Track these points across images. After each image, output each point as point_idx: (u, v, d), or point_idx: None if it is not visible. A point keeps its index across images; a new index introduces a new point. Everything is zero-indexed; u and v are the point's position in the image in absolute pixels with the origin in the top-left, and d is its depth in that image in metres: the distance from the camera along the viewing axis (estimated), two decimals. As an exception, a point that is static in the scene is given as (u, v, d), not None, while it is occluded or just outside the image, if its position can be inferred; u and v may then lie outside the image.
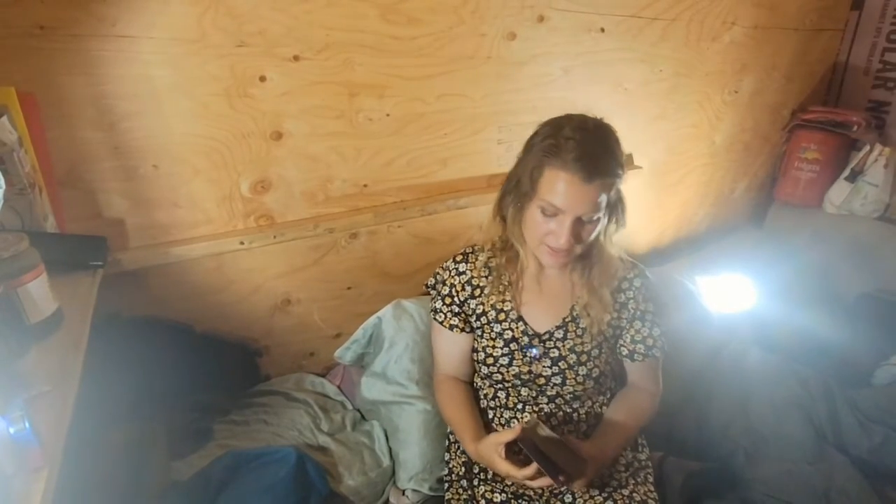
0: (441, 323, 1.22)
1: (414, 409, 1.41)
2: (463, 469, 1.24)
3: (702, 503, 1.33)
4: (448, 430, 1.32)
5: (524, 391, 1.18)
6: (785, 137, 2.32)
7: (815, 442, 1.49)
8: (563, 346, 1.15)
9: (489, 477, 1.22)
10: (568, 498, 1.15)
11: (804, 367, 1.67)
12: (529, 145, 1.06)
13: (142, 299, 1.42)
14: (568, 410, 1.18)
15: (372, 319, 1.53)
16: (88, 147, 1.26)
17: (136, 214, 1.36)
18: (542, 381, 1.16)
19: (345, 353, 1.57)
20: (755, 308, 1.99)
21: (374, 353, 1.54)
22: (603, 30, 1.73)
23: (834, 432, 1.53)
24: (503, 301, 1.17)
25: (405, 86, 1.51)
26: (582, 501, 1.13)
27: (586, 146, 0.98)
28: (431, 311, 1.25)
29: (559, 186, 0.98)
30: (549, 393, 1.17)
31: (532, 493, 1.19)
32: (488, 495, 1.18)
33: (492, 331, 1.18)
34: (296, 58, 1.36)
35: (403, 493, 1.37)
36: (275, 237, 1.50)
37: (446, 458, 1.31)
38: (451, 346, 1.24)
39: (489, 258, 1.19)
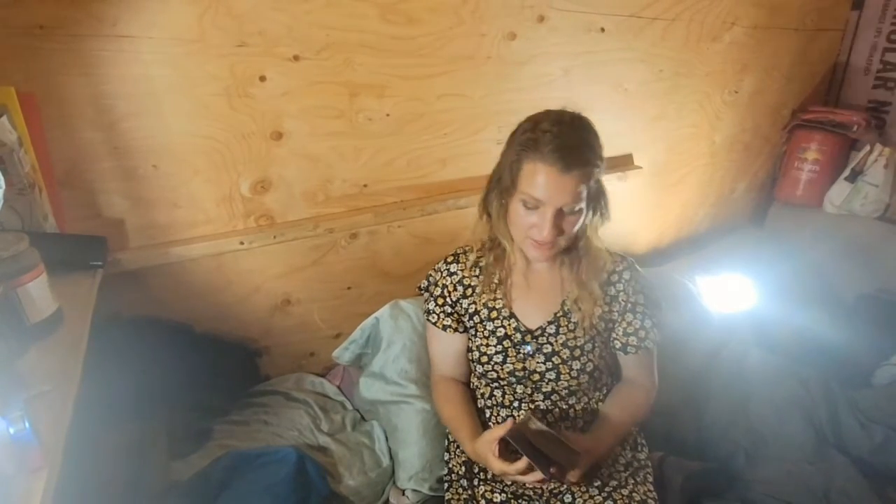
0: (434, 324, 1.23)
1: (412, 409, 1.41)
2: (463, 469, 1.24)
3: (702, 503, 1.33)
4: (447, 430, 1.32)
5: (519, 388, 1.18)
6: (785, 137, 2.32)
7: (816, 442, 1.49)
8: (556, 341, 1.16)
9: (489, 477, 1.22)
10: (567, 498, 1.15)
11: (804, 367, 1.67)
12: (509, 142, 1.09)
13: (142, 299, 1.42)
14: (564, 407, 1.18)
15: (370, 320, 1.53)
16: (88, 147, 1.26)
17: (135, 214, 1.36)
18: (537, 377, 1.16)
19: (343, 354, 1.57)
20: (755, 308, 1.99)
21: (372, 353, 1.54)
22: (603, 30, 1.73)
23: (834, 432, 1.53)
24: (494, 299, 1.18)
25: (405, 86, 1.51)
26: (581, 501, 1.13)
27: (563, 138, 1.00)
28: (425, 312, 1.26)
29: (538, 179, 1.00)
30: (544, 389, 1.17)
31: (532, 492, 1.19)
32: (488, 495, 1.18)
33: (485, 329, 1.18)
34: (296, 58, 1.36)
35: (403, 493, 1.37)
36: (275, 237, 1.50)
37: (446, 458, 1.31)
38: (446, 347, 1.25)
39: (479, 257, 1.20)
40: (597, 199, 1.09)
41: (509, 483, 1.21)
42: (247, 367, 1.62)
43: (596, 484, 1.15)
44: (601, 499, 1.12)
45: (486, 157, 1.72)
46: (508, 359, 1.17)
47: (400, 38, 1.46)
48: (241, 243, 1.46)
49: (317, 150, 1.49)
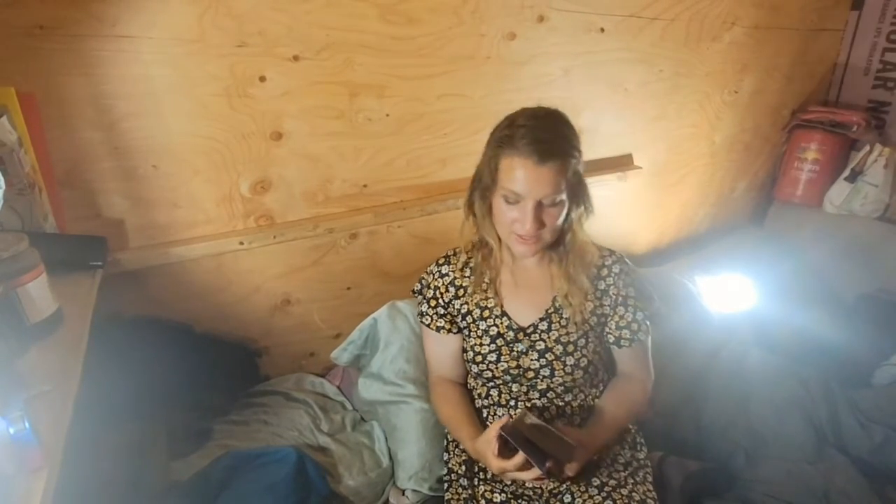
0: (428, 326, 1.24)
1: (411, 409, 1.41)
2: (463, 468, 1.24)
3: (702, 503, 1.33)
4: (446, 430, 1.33)
5: (515, 387, 1.19)
6: (785, 137, 2.32)
7: (816, 442, 1.49)
8: (549, 337, 1.16)
9: (489, 477, 1.22)
10: (567, 498, 1.15)
11: (804, 367, 1.67)
12: (488, 141, 1.10)
13: (142, 299, 1.42)
14: (560, 404, 1.18)
15: (368, 321, 1.53)
16: (88, 147, 1.26)
17: (135, 214, 1.36)
18: (532, 374, 1.17)
19: (341, 355, 1.57)
20: (755, 308, 1.99)
21: (370, 354, 1.54)
22: (603, 30, 1.73)
23: (834, 432, 1.53)
24: (486, 298, 1.19)
25: (405, 86, 1.51)
26: (581, 501, 1.13)
27: (537, 131, 1.02)
28: (418, 315, 1.27)
29: (516, 172, 1.02)
30: (539, 387, 1.18)
31: (532, 492, 1.19)
32: (488, 495, 1.18)
33: (478, 329, 1.19)
34: (296, 58, 1.36)
35: (403, 493, 1.37)
36: (275, 237, 1.50)
37: (445, 458, 1.31)
38: (442, 348, 1.25)
39: (468, 258, 1.21)
40: (578, 192, 1.09)
41: (509, 483, 1.21)
42: (247, 367, 1.62)
43: (595, 483, 1.15)
44: (600, 499, 1.12)
45: (486, 157, 1.72)
46: (502, 357, 1.17)
47: (400, 39, 1.46)
48: (241, 243, 1.46)
49: (317, 150, 1.49)
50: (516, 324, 1.17)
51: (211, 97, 1.32)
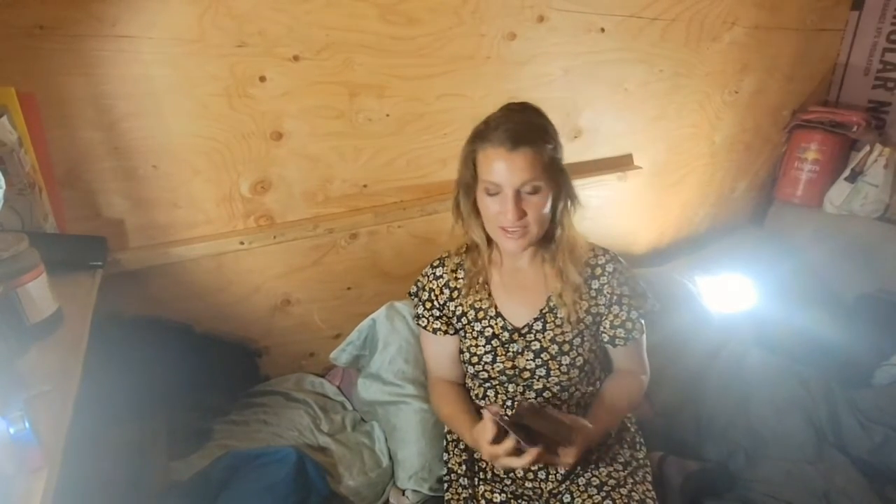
0: (424, 328, 1.25)
1: (410, 409, 1.41)
2: (463, 468, 1.24)
3: (702, 503, 1.33)
4: (445, 430, 1.33)
5: (511, 387, 1.19)
6: (785, 137, 2.32)
7: (816, 442, 1.49)
8: (544, 337, 1.16)
9: (489, 477, 1.22)
10: (567, 498, 1.16)
11: (804, 367, 1.67)
12: (466, 141, 1.11)
13: (142, 299, 1.42)
14: (557, 403, 1.18)
15: (366, 321, 1.53)
16: (88, 147, 1.26)
17: (135, 214, 1.36)
18: (527, 374, 1.17)
19: (340, 355, 1.57)
20: (755, 308, 1.99)
21: (369, 355, 1.54)
22: (603, 30, 1.73)
23: (834, 432, 1.53)
24: (480, 300, 1.19)
25: (405, 86, 1.51)
26: (581, 501, 1.13)
27: (509, 122, 1.04)
28: (414, 317, 1.28)
29: (493, 164, 1.03)
30: (535, 387, 1.18)
31: (532, 492, 1.19)
32: (488, 495, 1.18)
33: (473, 330, 1.19)
34: (296, 58, 1.36)
35: (403, 494, 1.37)
36: (275, 237, 1.50)
37: (445, 458, 1.31)
38: (438, 350, 1.25)
39: (460, 260, 1.22)
40: (560, 182, 1.09)
41: (509, 483, 1.21)
42: (247, 367, 1.62)
43: (595, 483, 1.15)
44: (600, 498, 1.12)
45: (486, 157, 1.72)
46: (498, 358, 1.17)
47: (400, 39, 1.46)
48: (241, 243, 1.46)
49: (317, 151, 1.49)
50: (511, 324, 1.18)
51: (211, 97, 1.32)
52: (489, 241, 1.16)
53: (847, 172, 2.15)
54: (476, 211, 1.12)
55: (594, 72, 1.78)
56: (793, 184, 2.28)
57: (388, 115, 1.53)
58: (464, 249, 1.22)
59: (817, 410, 1.55)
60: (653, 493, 1.18)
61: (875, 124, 2.21)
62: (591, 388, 1.22)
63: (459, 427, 1.19)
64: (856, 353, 1.77)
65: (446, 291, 1.22)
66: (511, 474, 1.21)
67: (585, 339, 1.17)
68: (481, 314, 1.19)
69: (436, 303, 1.23)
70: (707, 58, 1.96)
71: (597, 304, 1.18)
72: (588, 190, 1.93)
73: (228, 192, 1.44)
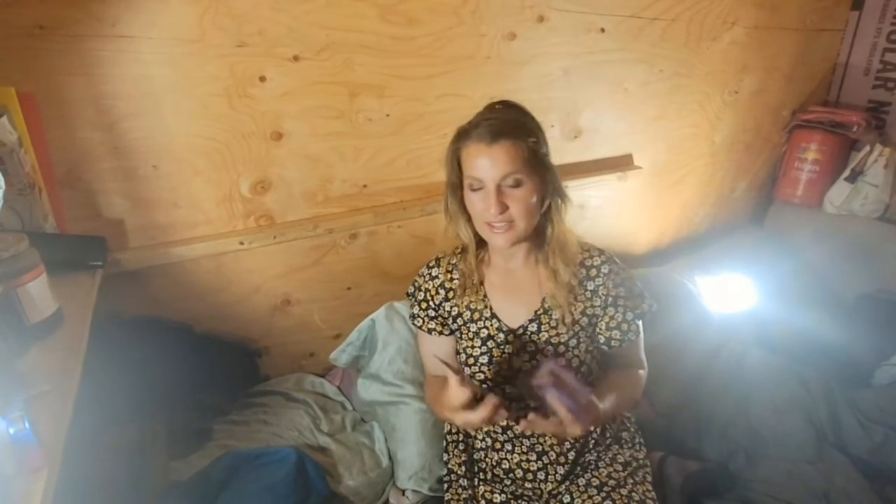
0: (420, 328, 1.25)
1: (410, 409, 1.41)
2: (462, 469, 1.24)
3: (702, 503, 1.33)
4: (445, 431, 1.33)
5: (507, 388, 1.19)
6: (785, 137, 2.32)
7: (816, 442, 1.49)
8: (539, 338, 1.16)
9: (489, 477, 1.22)
10: (567, 498, 1.16)
11: (804, 367, 1.67)
12: (450, 142, 1.12)
13: (142, 299, 1.42)
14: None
15: (365, 322, 1.53)
16: (88, 147, 1.26)
17: (135, 215, 1.36)
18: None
19: (340, 356, 1.57)
20: (755, 308, 1.99)
21: (368, 355, 1.54)
22: (603, 30, 1.73)
23: (834, 432, 1.53)
24: (475, 301, 1.19)
25: (405, 86, 1.51)
26: (581, 501, 1.14)
27: (489, 119, 1.06)
28: (410, 317, 1.28)
29: (474, 159, 1.05)
30: None
31: (531, 492, 1.19)
32: (488, 495, 1.18)
33: (469, 331, 1.19)
34: (296, 58, 1.36)
35: (403, 494, 1.37)
36: (275, 237, 1.50)
37: (445, 459, 1.31)
38: (435, 350, 1.25)
39: (456, 260, 1.22)
40: (545, 177, 1.09)
41: (509, 483, 1.21)
42: (247, 367, 1.62)
43: (595, 484, 1.15)
44: (600, 499, 1.12)
45: (486, 157, 1.72)
46: (494, 359, 1.18)
47: (400, 39, 1.46)
48: (241, 243, 1.46)
49: (317, 151, 1.49)
50: (506, 325, 1.17)
51: (211, 97, 1.32)
52: (481, 241, 1.17)
53: (847, 172, 2.15)
54: (464, 210, 1.13)
55: (594, 72, 1.78)
56: (793, 184, 2.28)
57: (388, 115, 1.53)
58: (459, 250, 1.22)
59: (817, 410, 1.55)
60: (653, 493, 1.18)
61: (875, 124, 2.21)
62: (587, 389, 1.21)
63: (450, 413, 1.17)
64: (856, 353, 1.77)
65: (441, 292, 1.22)
66: (511, 474, 1.21)
67: (581, 340, 1.17)
68: (476, 315, 1.19)
69: (431, 303, 1.23)
70: (707, 58, 1.96)
71: (592, 306, 1.18)
72: (588, 190, 1.93)
73: (228, 192, 1.44)
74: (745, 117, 2.19)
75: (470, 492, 1.21)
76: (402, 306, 1.54)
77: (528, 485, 1.20)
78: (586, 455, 1.21)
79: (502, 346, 1.17)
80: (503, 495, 1.18)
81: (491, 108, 1.11)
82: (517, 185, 1.05)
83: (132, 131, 1.28)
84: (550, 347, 1.15)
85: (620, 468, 1.19)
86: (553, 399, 0.97)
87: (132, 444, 1.23)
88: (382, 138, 1.55)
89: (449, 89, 1.57)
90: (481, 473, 1.23)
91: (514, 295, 1.19)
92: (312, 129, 1.45)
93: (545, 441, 1.18)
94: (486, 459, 1.24)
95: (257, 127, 1.39)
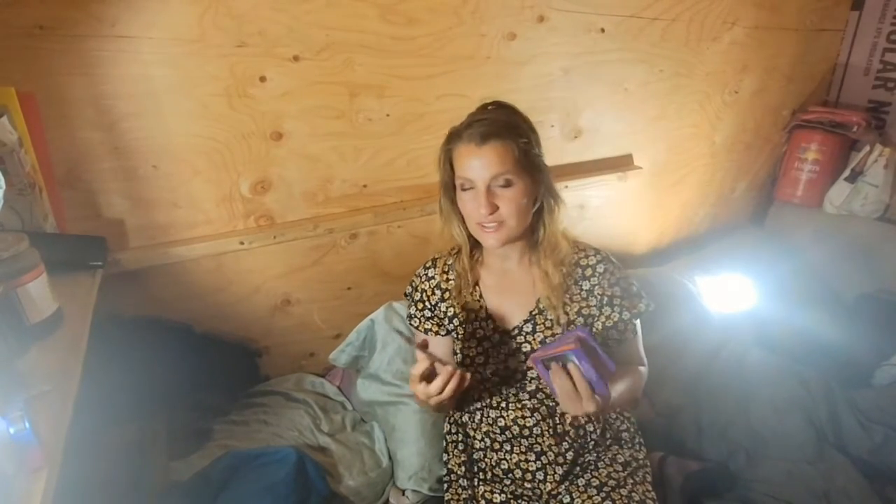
0: (417, 328, 1.26)
1: (409, 409, 1.41)
2: (462, 469, 1.24)
3: (702, 503, 1.33)
4: (445, 431, 1.33)
5: (504, 388, 1.19)
6: (785, 138, 2.32)
7: (816, 442, 1.49)
8: (534, 339, 1.16)
9: (489, 477, 1.22)
10: (567, 498, 1.15)
11: (804, 367, 1.66)
12: (443, 143, 1.13)
13: (142, 299, 1.42)
14: (550, 404, 1.18)
15: (365, 322, 1.53)
16: (88, 147, 1.26)
17: (135, 215, 1.36)
18: (520, 376, 1.17)
19: (339, 356, 1.57)
20: (755, 308, 1.98)
21: (368, 355, 1.54)
22: (603, 30, 1.73)
23: (834, 432, 1.53)
24: (470, 301, 1.19)
25: (405, 86, 1.51)
26: (580, 501, 1.13)
27: (480, 120, 1.07)
28: (407, 317, 1.29)
29: (464, 160, 1.06)
30: (528, 388, 1.18)
31: (531, 493, 1.19)
32: (488, 495, 1.18)
33: (465, 332, 1.20)
34: (296, 58, 1.36)
35: (403, 494, 1.37)
36: (275, 237, 1.50)
37: (445, 459, 1.31)
38: (432, 350, 1.25)
39: (452, 261, 1.22)
40: (536, 177, 1.09)
41: (509, 483, 1.21)
42: (247, 367, 1.62)
43: (594, 484, 1.15)
44: (600, 499, 1.12)
45: (486, 157, 1.72)
46: (490, 360, 1.18)
47: (400, 39, 1.46)
48: (241, 243, 1.46)
49: (317, 151, 1.49)
50: (501, 326, 1.18)
51: (211, 97, 1.32)
52: (476, 241, 1.17)
53: (847, 172, 2.15)
54: (457, 210, 1.14)
55: (594, 72, 1.78)
56: (793, 184, 2.28)
57: (388, 115, 1.53)
58: (455, 251, 1.23)
59: (817, 410, 1.55)
60: (653, 493, 1.18)
61: (875, 124, 2.21)
62: None
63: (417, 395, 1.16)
64: (856, 353, 1.77)
65: (438, 293, 1.22)
66: (511, 474, 1.21)
67: None
68: (472, 316, 1.19)
69: (427, 304, 1.23)
70: (707, 58, 1.96)
71: (588, 306, 1.18)
72: (588, 190, 1.93)
73: (228, 192, 1.44)
74: (745, 117, 2.19)
75: (470, 492, 1.21)
76: (402, 306, 1.54)
77: (527, 485, 1.20)
78: (586, 455, 1.21)
79: (498, 347, 1.18)
80: (503, 495, 1.18)
81: (483, 108, 1.12)
82: (508, 185, 1.05)
83: (132, 131, 1.28)
84: None
85: (620, 468, 1.19)
86: (573, 369, 0.92)
87: (132, 444, 1.23)
88: (382, 138, 1.55)
89: (449, 89, 1.57)
90: (481, 473, 1.23)
91: (508, 295, 1.19)
92: (312, 129, 1.45)
93: (543, 441, 1.18)
94: (486, 459, 1.24)
95: (257, 127, 1.39)
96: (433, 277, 1.23)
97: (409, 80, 1.51)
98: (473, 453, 1.26)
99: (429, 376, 0.99)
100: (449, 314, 1.21)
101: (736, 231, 2.35)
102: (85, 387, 0.86)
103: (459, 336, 1.21)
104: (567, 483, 1.18)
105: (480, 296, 1.20)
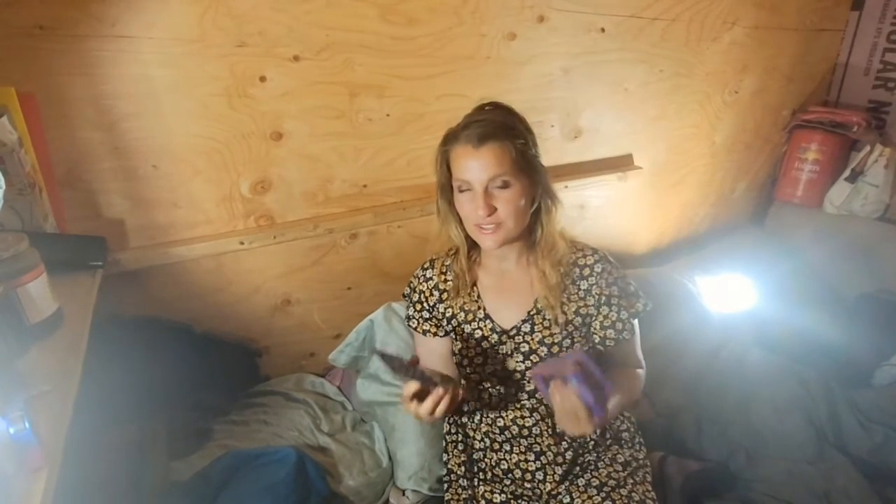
0: (415, 329, 1.25)
1: (410, 410, 1.41)
2: (462, 469, 1.24)
3: (702, 503, 1.33)
4: (444, 431, 1.33)
5: (503, 389, 1.19)
6: (785, 138, 2.32)
7: (816, 442, 1.49)
8: (532, 339, 1.16)
9: (489, 477, 1.22)
10: (567, 498, 1.15)
11: (804, 367, 1.66)
12: (439, 144, 1.13)
13: (142, 299, 1.42)
14: (549, 405, 1.18)
15: (364, 322, 1.53)
16: (88, 147, 1.26)
17: (135, 215, 1.36)
18: (518, 376, 1.17)
19: (339, 357, 1.57)
20: (755, 308, 1.98)
21: (368, 356, 1.54)
22: (603, 30, 1.73)
23: (834, 432, 1.53)
24: (468, 302, 1.19)
25: (405, 86, 1.51)
26: (580, 501, 1.13)
27: (477, 121, 1.06)
28: (406, 318, 1.28)
29: (461, 162, 1.06)
30: (527, 388, 1.18)
31: (531, 493, 1.19)
32: (488, 495, 1.18)
33: (463, 332, 1.20)
34: (296, 58, 1.36)
35: (403, 494, 1.37)
36: (275, 237, 1.50)
37: (445, 459, 1.31)
38: (430, 351, 1.26)
39: (450, 262, 1.22)
40: (533, 178, 1.09)
41: (509, 483, 1.21)
42: (247, 367, 1.62)
43: (595, 484, 1.15)
44: (600, 499, 1.12)
45: (486, 157, 1.72)
46: (488, 360, 1.18)
47: (400, 39, 1.46)
48: (241, 243, 1.46)
49: (317, 151, 1.49)
50: (499, 326, 1.18)
51: (211, 97, 1.32)
52: (473, 242, 1.17)
53: (847, 173, 2.16)
54: (454, 211, 1.14)
55: (594, 72, 1.78)
56: (793, 184, 2.28)
57: (388, 115, 1.53)
58: (452, 251, 1.22)
59: (817, 410, 1.55)
60: (653, 493, 1.18)
61: (875, 124, 2.21)
62: None
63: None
64: (856, 353, 1.77)
65: (436, 293, 1.22)
66: (510, 475, 1.21)
67: (575, 340, 1.17)
68: (470, 316, 1.19)
69: (426, 304, 1.23)
70: (707, 58, 1.96)
71: (586, 305, 1.18)
72: (588, 190, 1.93)
73: (228, 192, 1.44)
74: (745, 117, 2.19)
75: (470, 492, 1.21)
76: (401, 307, 1.54)
77: (527, 485, 1.20)
78: (586, 455, 1.21)
79: (496, 347, 1.17)
80: (503, 495, 1.18)
81: (480, 109, 1.11)
82: (505, 186, 1.05)
83: (132, 131, 1.28)
84: (545, 348, 1.15)
85: (620, 468, 1.19)
86: (571, 391, 0.94)
87: (132, 444, 1.23)
88: (382, 138, 1.55)
89: (449, 89, 1.57)
90: (481, 473, 1.23)
91: (506, 296, 1.19)
92: (312, 129, 1.45)
93: (542, 441, 1.18)
94: (486, 460, 1.24)
95: (257, 127, 1.39)
96: (431, 278, 1.23)
97: (409, 80, 1.51)
98: (473, 453, 1.26)
99: (420, 394, 1.00)
100: (447, 315, 1.21)
101: (736, 231, 2.35)
102: (85, 387, 0.86)
103: (458, 337, 1.21)
104: (567, 483, 1.18)
105: (478, 296, 1.20)
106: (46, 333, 0.92)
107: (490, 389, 1.20)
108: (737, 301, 2.00)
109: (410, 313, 1.26)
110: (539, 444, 1.18)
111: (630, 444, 1.26)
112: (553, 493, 1.17)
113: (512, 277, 1.19)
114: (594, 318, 1.19)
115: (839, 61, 2.30)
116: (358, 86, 1.46)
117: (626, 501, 1.11)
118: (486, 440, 1.23)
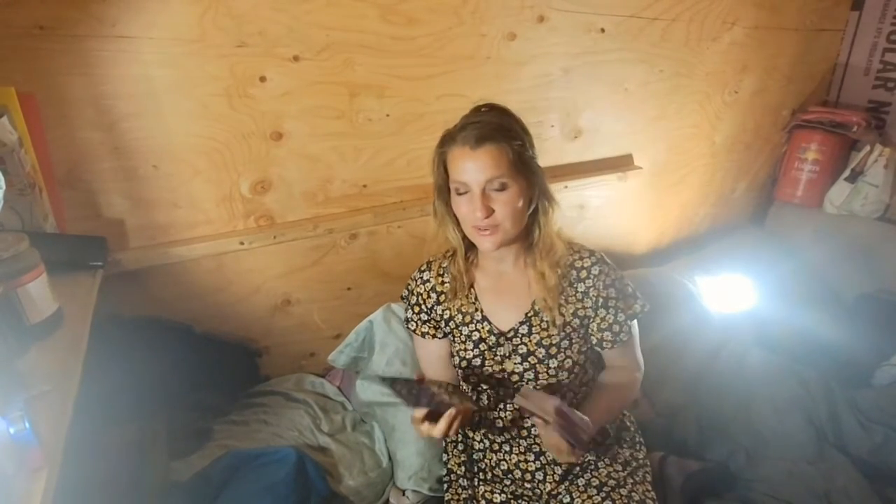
0: (414, 331, 1.25)
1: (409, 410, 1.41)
2: (462, 469, 1.24)
3: (702, 503, 1.33)
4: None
5: (501, 390, 1.19)
6: (785, 138, 2.32)
7: (816, 442, 1.49)
8: (530, 341, 1.16)
9: (489, 477, 1.22)
10: (566, 498, 1.16)
11: (804, 367, 1.67)
12: (436, 146, 1.13)
13: (142, 299, 1.42)
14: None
15: (363, 323, 1.53)
16: (88, 147, 1.26)
17: (135, 215, 1.36)
18: (516, 378, 1.17)
19: (338, 357, 1.57)
20: (755, 308, 1.99)
21: (367, 356, 1.54)
22: (603, 30, 1.73)
23: (834, 432, 1.53)
24: (466, 303, 1.19)
25: (405, 86, 1.51)
26: (580, 501, 1.14)
27: (473, 123, 1.06)
28: (404, 320, 1.29)
29: (459, 163, 1.06)
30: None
31: (531, 493, 1.19)
32: (488, 495, 1.18)
33: (461, 334, 1.20)
34: (296, 58, 1.36)
35: (403, 494, 1.37)
36: (275, 237, 1.50)
37: (444, 459, 1.31)
38: (429, 353, 1.26)
39: (447, 263, 1.22)
40: (530, 179, 1.09)
41: (509, 483, 1.21)
42: (247, 367, 1.62)
43: (595, 483, 1.15)
44: (600, 499, 1.13)
45: (486, 157, 1.72)
46: (486, 362, 1.18)
47: (400, 39, 1.46)
48: (242, 243, 1.46)
49: (317, 151, 1.49)
50: (497, 328, 1.17)
51: (211, 97, 1.32)
52: (470, 244, 1.17)
53: (847, 172, 2.16)
54: (451, 213, 1.14)
55: (594, 72, 1.78)
56: (793, 184, 2.29)
57: (388, 115, 1.53)
58: (449, 253, 1.22)
59: (817, 410, 1.55)
60: (653, 493, 1.18)
61: (875, 124, 2.21)
62: (583, 389, 1.21)
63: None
64: (856, 353, 1.77)
65: (433, 295, 1.22)
66: (510, 475, 1.21)
67: (573, 341, 1.17)
68: (468, 318, 1.19)
69: (423, 307, 1.23)
70: (707, 58, 1.96)
71: (583, 307, 1.18)
72: (588, 190, 1.93)
73: (228, 192, 1.44)
74: (745, 117, 2.19)
75: (470, 492, 1.21)
76: (400, 308, 1.54)
77: (527, 485, 1.20)
78: (586, 455, 1.21)
79: (494, 349, 1.17)
80: (503, 495, 1.18)
81: (476, 111, 1.11)
82: (502, 188, 1.05)
83: (132, 131, 1.28)
84: (543, 350, 1.15)
85: (620, 468, 1.19)
86: (552, 432, 1.01)
87: (132, 444, 1.23)
88: (382, 138, 1.55)
89: (449, 89, 1.57)
90: (481, 473, 1.23)
91: (504, 297, 1.19)
92: (312, 129, 1.45)
93: (541, 441, 1.18)
94: (486, 460, 1.24)
95: (257, 127, 1.39)
96: (428, 280, 1.23)
97: (409, 80, 1.51)
98: (473, 454, 1.26)
99: (431, 415, 1.01)
100: (445, 317, 1.21)
101: (736, 231, 2.35)
102: (85, 387, 0.86)
103: (456, 338, 1.21)
104: (567, 483, 1.18)
105: (476, 298, 1.19)
106: (46, 333, 0.92)
107: (488, 391, 1.20)
108: (737, 301, 2.00)
109: (409, 315, 1.26)
110: (538, 444, 1.18)
111: (630, 444, 1.26)
112: (553, 492, 1.17)
113: (509, 279, 1.19)
114: (591, 320, 1.19)
115: (839, 61, 2.30)
116: (358, 86, 1.46)
117: (626, 501, 1.11)
118: (486, 440, 1.23)
